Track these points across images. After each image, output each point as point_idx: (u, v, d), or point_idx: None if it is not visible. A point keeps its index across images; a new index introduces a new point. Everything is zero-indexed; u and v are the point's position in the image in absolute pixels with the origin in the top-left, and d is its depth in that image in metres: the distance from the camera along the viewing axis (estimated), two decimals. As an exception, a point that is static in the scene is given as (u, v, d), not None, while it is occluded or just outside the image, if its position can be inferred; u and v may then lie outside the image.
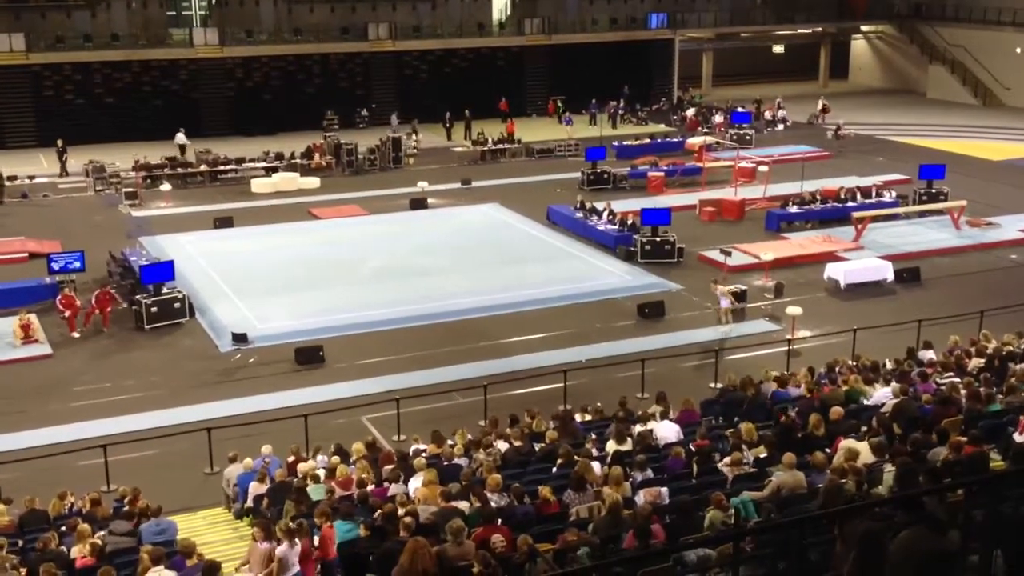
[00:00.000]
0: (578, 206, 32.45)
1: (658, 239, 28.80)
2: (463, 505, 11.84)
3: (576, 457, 13.32)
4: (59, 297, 24.14)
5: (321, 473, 14.71)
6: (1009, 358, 17.10)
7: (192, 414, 19.41)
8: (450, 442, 15.68)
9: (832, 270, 26.80)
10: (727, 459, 12.95)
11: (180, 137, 41.94)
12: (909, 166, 37.52)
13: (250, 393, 20.58)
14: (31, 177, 37.92)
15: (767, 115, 50.09)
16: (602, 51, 52.60)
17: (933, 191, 33.49)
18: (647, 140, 43.87)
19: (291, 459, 15.85)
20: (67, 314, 23.72)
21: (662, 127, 49.26)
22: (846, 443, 12.35)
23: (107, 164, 37.97)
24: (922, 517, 7.10)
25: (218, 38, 46.62)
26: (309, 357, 22.02)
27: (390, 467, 14.37)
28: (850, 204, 32.39)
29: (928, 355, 18.54)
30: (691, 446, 13.91)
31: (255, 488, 14.53)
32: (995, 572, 7.97)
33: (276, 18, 48.94)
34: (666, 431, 15.21)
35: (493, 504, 11.68)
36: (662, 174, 37.32)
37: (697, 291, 25.84)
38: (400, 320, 24.42)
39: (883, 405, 14.67)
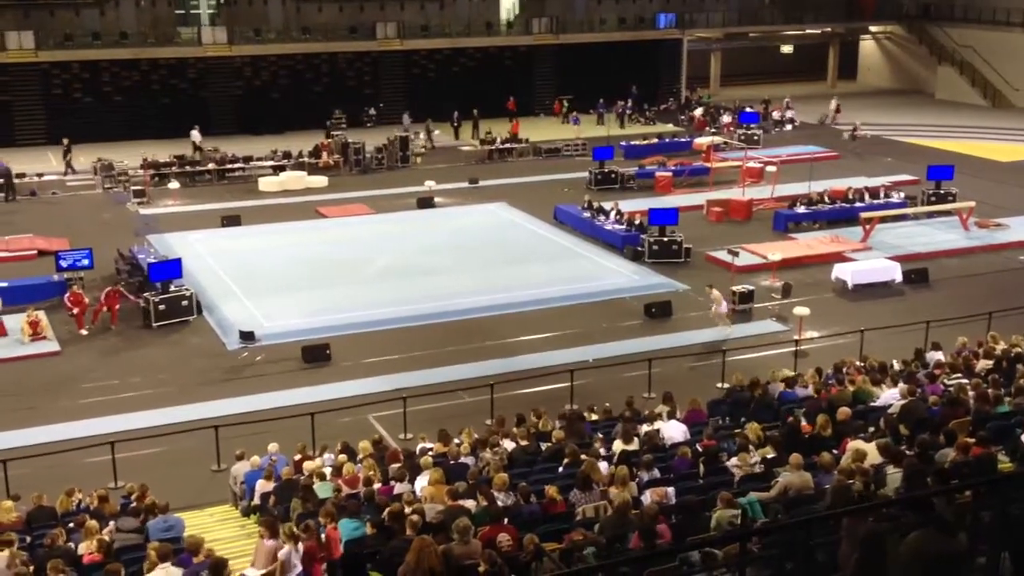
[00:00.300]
0: (585, 206, 32.44)
1: (665, 239, 28.79)
2: (469, 504, 11.83)
3: (583, 457, 13.33)
4: (67, 294, 24.22)
5: (327, 471, 14.73)
6: (1017, 360, 17.04)
7: (199, 412, 19.46)
8: (457, 441, 15.67)
9: (840, 271, 26.77)
10: (734, 459, 12.94)
11: (195, 135, 41.98)
12: (918, 167, 37.46)
13: (257, 391, 20.62)
14: (40, 175, 37.99)
15: (775, 115, 50.02)
16: (610, 51, 52.50)
17: (941, 192, 33.44)
18: (655, 140, 43.91)
19: (297, 457, 15.87)
20: (75, 311, 23.78)
21: (670, 127, 49.21)
22: (854, 444, 12.33)
23: (115, 162, 38.08)
24: (930, 519, 7.09)
25: (226, 37, 46.70)
26: (316, 355, 22.06)
27: (397, 466, 14.40)
28: (858, 205, 32.37)
29: (936, 356, 18.50)
30: (698, 446, 13.91)
31: (262, 486, 14.54)
32: (1003, 573, 7.96)
33: (284, 17, 49.00)
34: (673, 431, 15.20)
35: (499, 503, 11.69)
36: (670, 174, 37.30)
37: (704, 291, 25.77)
38: (407, 319, 24.43)
39: (891, 406, 14.64)
